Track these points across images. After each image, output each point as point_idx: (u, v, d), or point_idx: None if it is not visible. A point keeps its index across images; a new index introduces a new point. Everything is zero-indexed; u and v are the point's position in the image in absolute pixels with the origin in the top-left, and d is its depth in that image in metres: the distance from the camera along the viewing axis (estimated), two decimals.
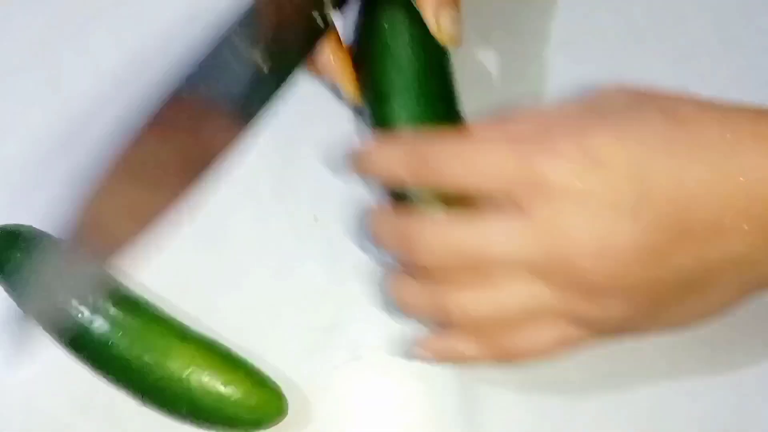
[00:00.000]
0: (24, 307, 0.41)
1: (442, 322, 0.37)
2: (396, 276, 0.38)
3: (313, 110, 0.47)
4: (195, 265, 0.45)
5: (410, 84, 0.39)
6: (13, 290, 0.42)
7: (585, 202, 0.32)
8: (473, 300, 0.35)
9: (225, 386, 0.40)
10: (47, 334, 0.41)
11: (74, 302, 0.40)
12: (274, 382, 0.42)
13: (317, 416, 0.43)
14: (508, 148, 0.33)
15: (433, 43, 0.40)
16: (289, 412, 0.41)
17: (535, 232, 0.33)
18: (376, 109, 0.41)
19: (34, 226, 0.43)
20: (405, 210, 0.38)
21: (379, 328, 0.44)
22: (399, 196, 0.39)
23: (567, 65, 0.49)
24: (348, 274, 0.45)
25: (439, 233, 0.34)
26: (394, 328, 0.44)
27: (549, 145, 0.33)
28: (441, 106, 0.40)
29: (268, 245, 0.45)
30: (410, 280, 0.37)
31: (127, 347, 0.40)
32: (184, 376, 0.40)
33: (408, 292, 0.37)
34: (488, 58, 0.49)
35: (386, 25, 0.40)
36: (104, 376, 0.41)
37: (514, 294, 0.34)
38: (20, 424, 0.43)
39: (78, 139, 0.47)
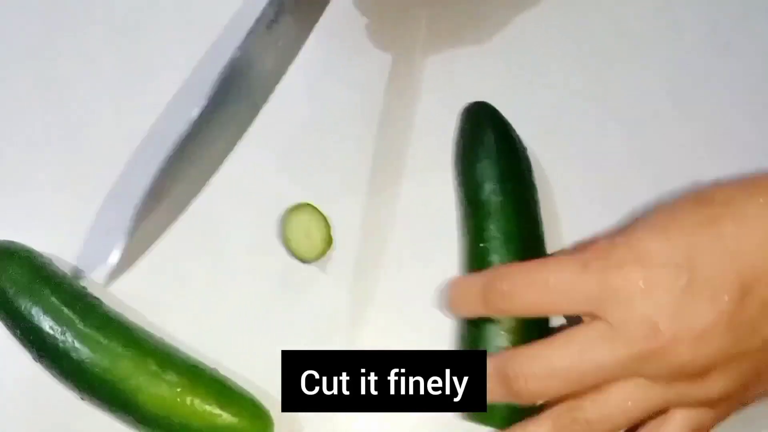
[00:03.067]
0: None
1: None
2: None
3: (312, 117, 0.47)
4: (190, 274, 0.45)
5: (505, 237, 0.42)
6: None
7: (655, 296, 0.35)
8: (589, 413, 0.36)
9: (211, 413, 0.39)
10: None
11: (53, 324, 0.40)
12: (260, 404, 0.41)
13: (311, 421, 0.43)
14: (572, 270, 0.36)
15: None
16: (282, 424, 0.41)
17: (622, 336, 0.35)
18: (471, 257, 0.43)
19: (15, 240, 0.43)
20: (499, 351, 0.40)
21: (375, 335, 0.44)
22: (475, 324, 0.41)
23: (560, 71, 0.48)
24: (345, 281, 0.45)
25: (536, 365, 0.36)
26: (388, 337, 0.44)
27: (607, 260, 0.36)
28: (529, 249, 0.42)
29: (264, 253, 0.45)
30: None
31: (108, 373, 0.39)
32: (168, 403, 0.39)
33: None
34: (483, 66, 0.48)
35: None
36: (86, 399, 0.41)
37: (622, 398, 0.36)
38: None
39: (74, 143, 0.47)
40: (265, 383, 0.43)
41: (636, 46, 0.49)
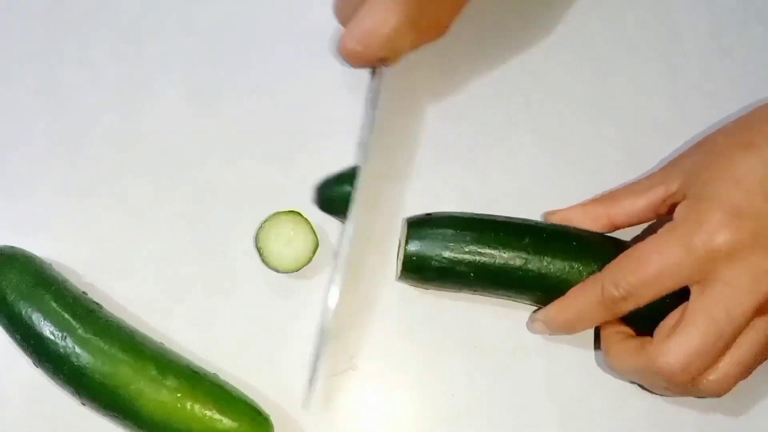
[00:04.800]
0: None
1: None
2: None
3: (308, 118, 0.48)
4: (191, 276, 0.45)
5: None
6: None
7: (759, 241, 0.37)
8: (725, 373, 0.39)
9: (211, 418, 0.39)
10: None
11: (54, 330, 0.40)
12: (260, 409, 0.41)
13: (312, 425, 0.43)
14: (678, 254, 0.38)
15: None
16: (284, 421, 0.41)
17: (743, 289, 0.37)
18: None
19: (15, 245, 0.43)
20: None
21: (374, 339, 0.44)
22: None
23: (560, 74, 0.49)
24: (345, 284, 0.44)
25: (683, 354, 0.38)
26: (389, 337, 0.44)
27: (704, 229, 0.38)
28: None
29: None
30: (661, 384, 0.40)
31: (108, 378, 0.39)
32: (168, 408, 0.39)
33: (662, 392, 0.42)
34: (481, 69, 0.49)
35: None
36: (87, 405, 0.41)
37: (752, 342, 0.38)
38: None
39: (76, 149, 0.47)
40: (264, 388, 0.43)
41: (636, 51, 0.49)
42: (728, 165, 0.39)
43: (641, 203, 0.42)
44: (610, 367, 0.42)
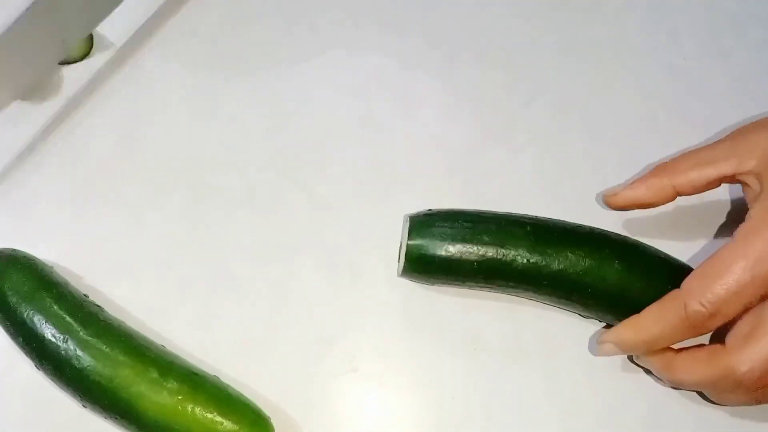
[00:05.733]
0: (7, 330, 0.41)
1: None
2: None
3: (313, 123, 0.48)
4: (191, 279, 0.45)
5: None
6: None
7: None
8: None
9: (212, 420, 0.39)
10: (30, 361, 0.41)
11: (55, 332, 0.40)
12: (260, 411, 0.41)
13: (312, 427, 0.43)
14: (756, 263, 0.36)
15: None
16: (284, 423, 0.41)
17: None
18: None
19: (16, 248, 0.43)
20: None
21: (375, 340, 0.44)
22: None
23: (560, 76, 0.49)
24: (345, 286, 0.45)
25: (759, 359, 0.36)
26: (390, 339, 0.44)
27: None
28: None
29: (265, 257, 0.45)
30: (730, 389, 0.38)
31: (109, 381, 0.39)
32: (169, 410, 0.39)
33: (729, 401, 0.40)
34: (482, 70, 0.49)
35: None
36: (87, 407, 0.41)
37: None
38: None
39: (76, 152, 0.47)
40: (265, 390, 0.43)
41: (635, 53, 0.50)
42: None
43: (709, 175, 0.40)
44: (673, 379, 0.40)
